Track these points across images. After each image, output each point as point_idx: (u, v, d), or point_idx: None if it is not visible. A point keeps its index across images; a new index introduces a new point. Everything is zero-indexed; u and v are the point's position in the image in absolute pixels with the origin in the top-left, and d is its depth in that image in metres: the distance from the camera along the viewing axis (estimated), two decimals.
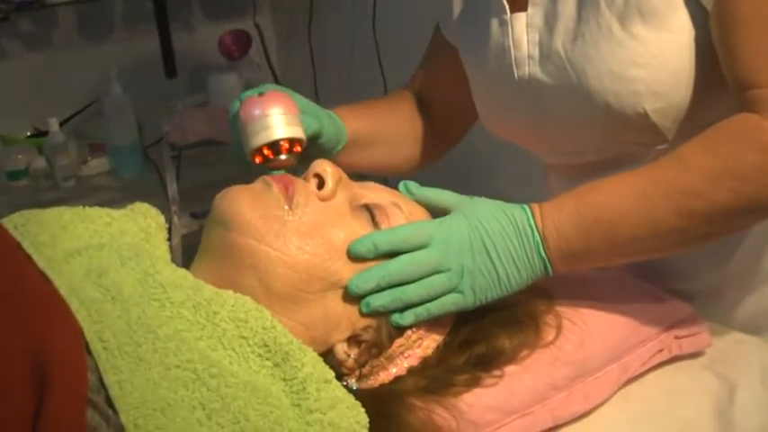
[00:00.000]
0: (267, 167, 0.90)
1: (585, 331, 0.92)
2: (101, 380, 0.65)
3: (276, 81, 2.40)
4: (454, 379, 0.84)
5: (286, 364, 0.72)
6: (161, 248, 0.89)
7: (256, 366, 0.71)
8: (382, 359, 0.84)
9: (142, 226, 0.89)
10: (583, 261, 0.87)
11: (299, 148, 0.90)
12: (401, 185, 0.90)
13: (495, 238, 0.83)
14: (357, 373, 0.84)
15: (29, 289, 0.69)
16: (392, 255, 0.83)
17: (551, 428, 0.89)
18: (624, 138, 0.99)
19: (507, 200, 0.88)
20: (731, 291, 1.07)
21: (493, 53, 1.07)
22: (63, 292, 0.69)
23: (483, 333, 0.87)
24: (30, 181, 2.08)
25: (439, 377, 0.84)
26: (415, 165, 1.24)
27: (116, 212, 0.89)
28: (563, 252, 0.85)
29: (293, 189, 0.84)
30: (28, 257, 0.74)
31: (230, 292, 0.76)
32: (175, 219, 2.12)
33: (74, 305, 0.68)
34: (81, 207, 0.89)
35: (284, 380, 0.71)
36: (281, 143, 0.88)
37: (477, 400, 0.84)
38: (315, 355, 0.75)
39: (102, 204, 2.10)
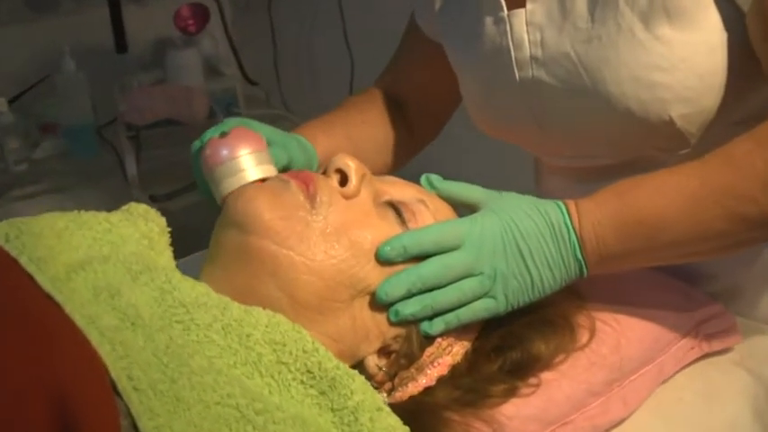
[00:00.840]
0: None
1: (620, 332, 0.88)
2: (134, 425, 0.57)
3: (236, 56, 2.30)
4: (490, 389, 0.80)
5: (333, 391, 0.65)
6: (165, 255, 0.81)
7: (299, 395, 0.64)
8: (412, 370, 0.79)
9: (144, 231, 0.81)
10: (620, 264, 0.82)
11: None
12: (423, 179, 0.85)
13: (530, 239, 0.78)
14: (388, 386, 0.78)
15: (38, 318, 0.60)
16: (421, 258, 0.77)
17: None
18: (643, 143, 0.93)
19: None
20: (753, 288, 1.03)
21: (488, 53, 0.99)
22: (78, 320, 0.61)
23: (516, 338, 0.82)
24: None
25: (473, 387, 0.79)
26: (389, 170, 1.16)
27: (114, 217, 0.81)
28: (601, 254, 0.79)
29: (314, 186, 0.78)
30: (28, 276, 0.66)
31: (260, 310, 0.69)
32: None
33: (94, 337, 0.60)
34: (76, 212, 0.81)
35: (332, 410, 0.64)
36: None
37: (516, 412, 0.80)
38: (363, 379, 0.68)
39: (56, 189, 1.99)
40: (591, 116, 0.92)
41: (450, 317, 0.77)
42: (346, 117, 1.13)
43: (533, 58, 0.94)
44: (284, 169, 0.90)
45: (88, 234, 0.76)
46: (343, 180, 0.80)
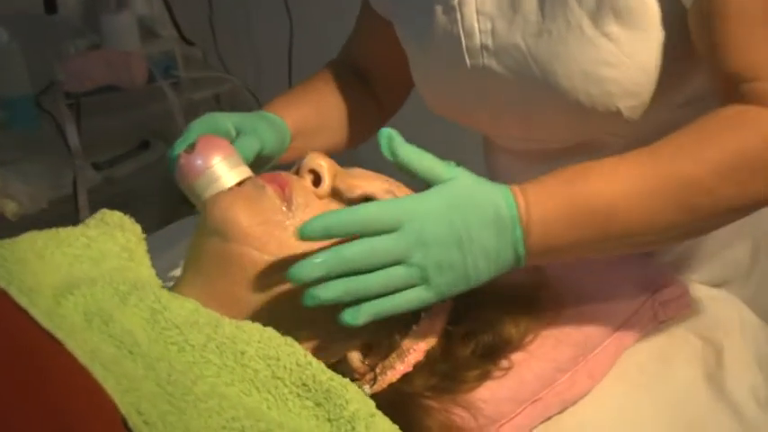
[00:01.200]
0: None
1: (582, 307, 0.93)
2: None
3: (171, 16, 2.25)
4: (465, 375, 0.83)
5: (329, 402, 0.68)
6: (145, 265, 0.82)
7: (296, 408, 0.67)
8: (392, 358, 0.82)
9: (122, 243, 0.82)
10: (565, 254, 0.80)
11: None
12: (384, 140, 0.75)
13: (473, 230, 0.73)
14: (370, 377, 0.81)
15: (37, 354, 0.61)
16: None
17: (559, 412, 0.90)
18: (590, 129, 0.97)
19: None
20: (699, 255, 1.08)
21: (439, 40, 1.00)
22: (80, 356, 0.62)
23: (487, 322, 0.85)
24: None
25: (449, 374, 0.83)
26: (358, 142, 1.18)
27: (92, 230, 0.81)
28: (546, 246, 0.77)
29: (290, 189, 0.80)
30: (19, 308, 0.66)
31: (251, 324, 0.71)
32: (79, 174, 2.00)
33: (97, 372, 0.61)
34: (53, 229, 0.81)
35: (329, 420, 0.67)
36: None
37: (491, 395, 0.84)
38: (356, 388, 0.72)
39: (2, 163, 1.93)
40: (540, 105, 0.95)
41: (378, 306, 0.72)
42: (312, 90, 1.14)
43: (484, 47, 0.96)
44: (258, 155, 0.91)
45: (68, 251, 0.77)
46: (317, 180, 0.82)
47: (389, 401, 0.79)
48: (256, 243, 0.76)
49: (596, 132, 0.98)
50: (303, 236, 0.70)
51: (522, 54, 0.93)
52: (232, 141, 0.89)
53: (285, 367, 0.68)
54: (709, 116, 0.81)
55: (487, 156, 1.22)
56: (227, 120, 0.91)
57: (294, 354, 0.69)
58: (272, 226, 0.77)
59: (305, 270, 0.69)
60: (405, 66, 1.13)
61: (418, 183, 0.80)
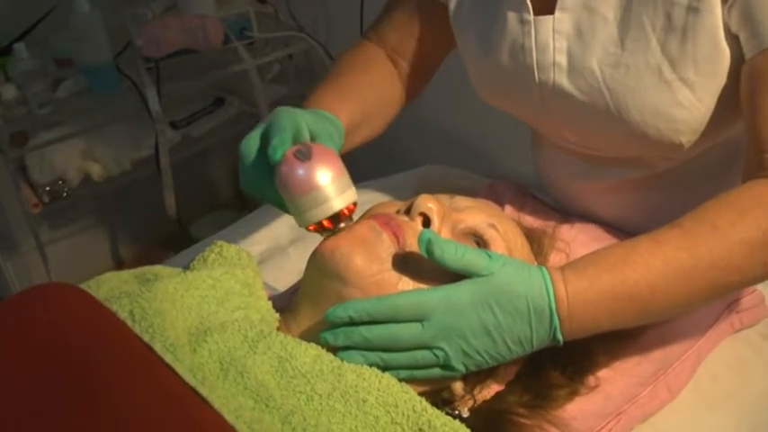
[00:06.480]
0: (323, 234, 0.86)
1: (665, 322, 0.97)
2: None
3: None
4: (555, 393, 0.89)
5: None
6: (262, 298, 0.88)
7: None
8: (488, 380, 0.87)
9: (242, 280, 0.87)
10: (602, 330, 0.84)
11: (353, 208, 0.86)
12: (422, 247, 0.80)
13: (505, 322, 0.78)
14: (469, 399, 0.86)
15: (189, 408, 0.68)
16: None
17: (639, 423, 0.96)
18: (647, 153, 1.01)
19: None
20: None
21: (507, 47, 1.01)
22: (226, 415, 0.67)
23: (575, 343, 0.89)
24: (2, 110, 1.96)
25: (540, 392, 0.88)
26: (384, 128, 1.18)
27: (215, 271, 0.86)
28: (584, 330, 0.81)
29: (403, 236, 0.84)
30: (164, 363, 0.72)
31: (369, 370, 0.77)
32: (162, 138, 2.06)
33: (242, 428, 0.67)
34: (180, 272, 0.87)
35: None
36: (340, 212, 0.84)
37: (580, 411, 0.90)
38: (467, 431, 0.78)
39: (87, 129, 1.99)
40: (604, 126, 0.98)
41: (403, 374, 0.80)
42: (354, 82, 1.13)
43: (556, 64, 0.98)
44: None
45: (196, 293, 0.83)
46: (426, 221, 0.87)
47: (486, 420, 0.85)
48: (374, 290, 0.81)
49: (651, 154, 1.02)
50: (327, 320, 0.79)
51: (597, 80, 0.95)
52: None
53: (403, 413, 0.75)
54: (740, 193, 0.84)
55: (535, 146, 1.24)
56: (303, 120, 0.88)
57: (410, 400, 0.76)
58: (390, 274, 0.82)
59: (332, 339, 0.79)
60: (435, 52, 1.13)
61: None
